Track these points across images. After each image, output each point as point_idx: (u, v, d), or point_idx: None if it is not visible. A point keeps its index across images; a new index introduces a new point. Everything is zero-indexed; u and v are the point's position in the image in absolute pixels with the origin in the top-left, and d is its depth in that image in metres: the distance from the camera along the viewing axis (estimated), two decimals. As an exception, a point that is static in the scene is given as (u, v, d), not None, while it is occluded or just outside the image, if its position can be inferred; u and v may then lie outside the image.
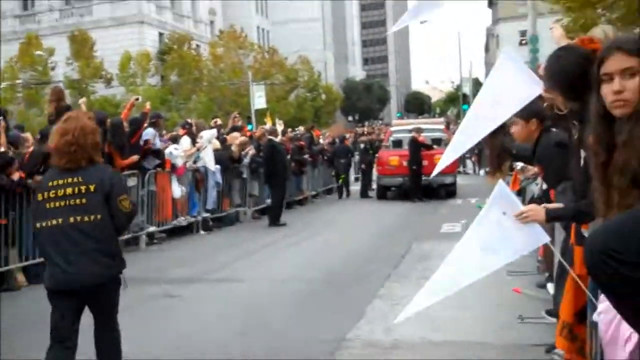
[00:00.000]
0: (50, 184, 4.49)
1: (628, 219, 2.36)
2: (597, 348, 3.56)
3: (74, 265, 4.33)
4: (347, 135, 27.24)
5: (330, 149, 23.17)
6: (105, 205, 4.45)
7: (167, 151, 13.22)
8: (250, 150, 16.31)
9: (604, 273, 2.31)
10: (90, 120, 4.72)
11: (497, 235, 3.81)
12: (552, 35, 4.85)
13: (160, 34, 50.20)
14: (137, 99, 13.75)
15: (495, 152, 9.24)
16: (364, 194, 21.99)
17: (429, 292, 3.80)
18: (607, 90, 2.61)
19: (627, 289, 2.26)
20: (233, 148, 15.75)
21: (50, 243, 4.41)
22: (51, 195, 4.43)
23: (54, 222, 4.39)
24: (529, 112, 5.04)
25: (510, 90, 4.39)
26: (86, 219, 4.38)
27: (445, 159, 4.44)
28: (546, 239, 3.96)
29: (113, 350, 4.63)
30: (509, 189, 4.11)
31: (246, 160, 16.14)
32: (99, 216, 4.40)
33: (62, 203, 4.40)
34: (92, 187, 4.42)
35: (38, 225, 4.48)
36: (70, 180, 4.43)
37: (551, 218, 3.99)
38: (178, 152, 13.50)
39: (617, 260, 2.24)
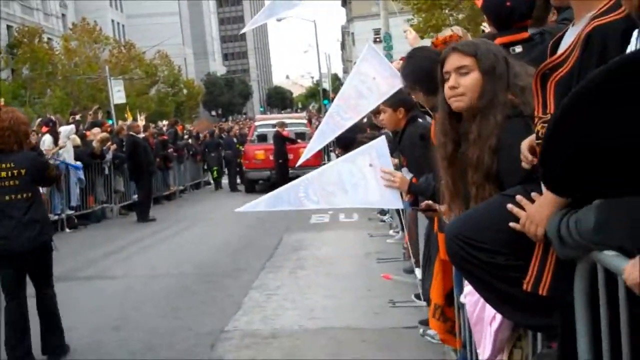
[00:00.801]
0: None
1: (484, 209, 2.56)
2: (466, 328, 3.72)
3: (11, 234, 5.32)
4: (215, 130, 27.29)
5: (197, 143, 23.04)
6: (34, 184, 5.53)
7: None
8: (112, 146, 15.88)
9: (462, 259, 2.50)
10: (23, 115, 5.86)
11: (355, 179, 3.95)
12: (407, 38, 5.08)
13: (9, 27, 47.49)
14: (-14, 94, 13.07)
15: None
16: (233, 187, 22.09)
17: (275, 198, 3.97)
18: (447, 87, 2.87)
19: (485, 273, 2.45)
20: (94, 144, 15.23)
21: None
22: None
23: None
24: (396, 101, 5.05)
25: (373, 83, 4.58)
26: (19, 196, 5.40)
27: (310, 149, 4.56)
28: (399, 205, 4.15)
29: (53, 308, 5.61)
30: (387, 147, 4.24)
31: (109, 156, 15.69)
32: (29, 194, 5.46)
33: None
34: (23, 171, 5.42)
35: None
36: (3, 165, 5.39)
37: (413, 191, 4.20)
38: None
39: (475, 247, 2.42)
